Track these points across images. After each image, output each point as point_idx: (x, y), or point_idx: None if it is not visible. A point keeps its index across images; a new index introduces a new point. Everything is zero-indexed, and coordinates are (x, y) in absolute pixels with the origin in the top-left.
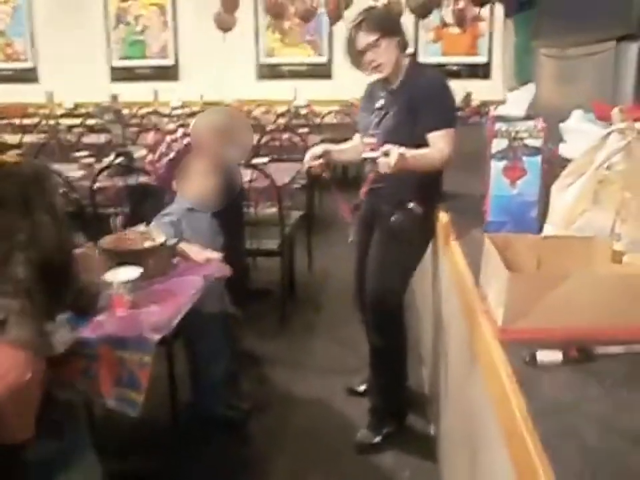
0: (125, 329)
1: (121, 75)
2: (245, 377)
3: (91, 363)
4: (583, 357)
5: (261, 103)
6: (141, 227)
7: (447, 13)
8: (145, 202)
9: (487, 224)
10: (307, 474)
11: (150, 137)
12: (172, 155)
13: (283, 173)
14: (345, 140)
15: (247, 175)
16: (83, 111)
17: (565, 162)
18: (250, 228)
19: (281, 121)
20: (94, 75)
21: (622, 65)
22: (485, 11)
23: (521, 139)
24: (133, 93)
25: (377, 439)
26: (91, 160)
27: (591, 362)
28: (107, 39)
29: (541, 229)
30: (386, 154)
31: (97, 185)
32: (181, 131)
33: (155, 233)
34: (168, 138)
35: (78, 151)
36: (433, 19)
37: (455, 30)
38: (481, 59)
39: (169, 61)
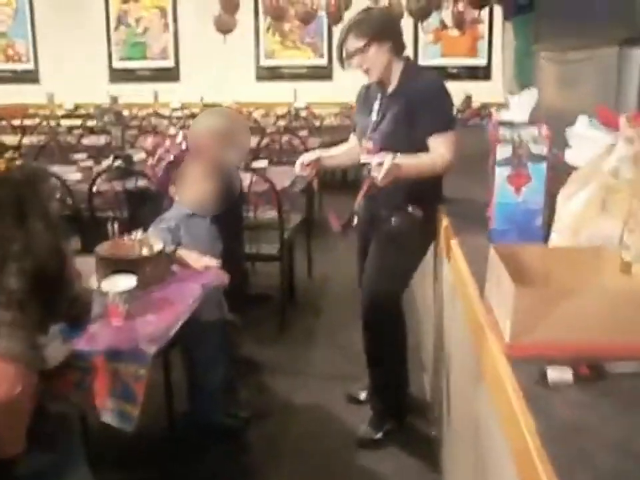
0: (120, 341)
1: (121, 76)
2: (244, 384)
3: (84, 375)
4: (594, 375)
5: (260, 105)
6: (139, 234)
7: (446, 15)
8: (144, 206)
9: (491, 232)
10: None
11: (149, 140)
12: (170, 158)
13: (282, 177)
14: (343, 142)
15: (246, 178)
16: (83, 112)
17: (570, 168)
18: (249, 232)
19: (281, 123)
20: (94, 76)
21: (626, 70)
22: (484, 13)
23: (526, 145)
24: (133, 94)
25: (379, 435)
26: (90, 163)
27: (603, 380)
28: (108, 41)
29: (546, 237)
30: (380, 164)
31: (95, 188)
32: (181, 135)
33: (152, 240)
34: (167, 142)
35: (77, 152)
36: (432, 21)
37: (455, 32)
38: (480, 60)
39: (169, 63)
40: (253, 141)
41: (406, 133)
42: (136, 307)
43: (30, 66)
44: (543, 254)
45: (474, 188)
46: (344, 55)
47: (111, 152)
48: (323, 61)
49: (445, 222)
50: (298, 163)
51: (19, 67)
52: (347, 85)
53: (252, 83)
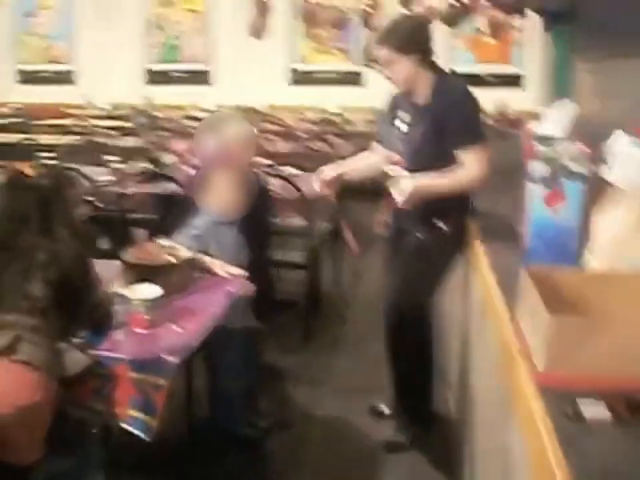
0: (143, 350)
1: (157, 78)
2: (265, 393)
3: (104, 382)
4: (634, 414)
5: (292, 109)
6: (165, 240)
7: (480, 21)
8: (172, 211)
9: (524, 252)
10: None
11: (180, 144)
12: (201, 164)
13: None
14: None
15: (275, 185)
16: (118, 113)
17: (604, 184)
18: (276, 238)
19: (313, 127)
20: (130, 77)
21: None
22: (518, 21)
23: (563, 162)
24: (168, 96)
25: (405, 440)
26: (122, 165)
27: None
28: (144, 43)
29: (581, 259)
30: (401, 189)
31: (125, 190)
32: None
33: (178, 248)
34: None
35: (110, 154)
36: (466, 27)
37: (488, 39)
38: (514, 68)
39: (203, 66)
40: (285, 147)
41: (436, 148)
42: (159, 315)
43: (68, 67)
44: (579, 278)
45: (506, 201)
46: (370, 58)
47: (143, 154)
48: (356, 67)
49: (475, 236)
50: (316, 179)
51: (57, 67)
52: (379, 90)
53: (284, 87)
